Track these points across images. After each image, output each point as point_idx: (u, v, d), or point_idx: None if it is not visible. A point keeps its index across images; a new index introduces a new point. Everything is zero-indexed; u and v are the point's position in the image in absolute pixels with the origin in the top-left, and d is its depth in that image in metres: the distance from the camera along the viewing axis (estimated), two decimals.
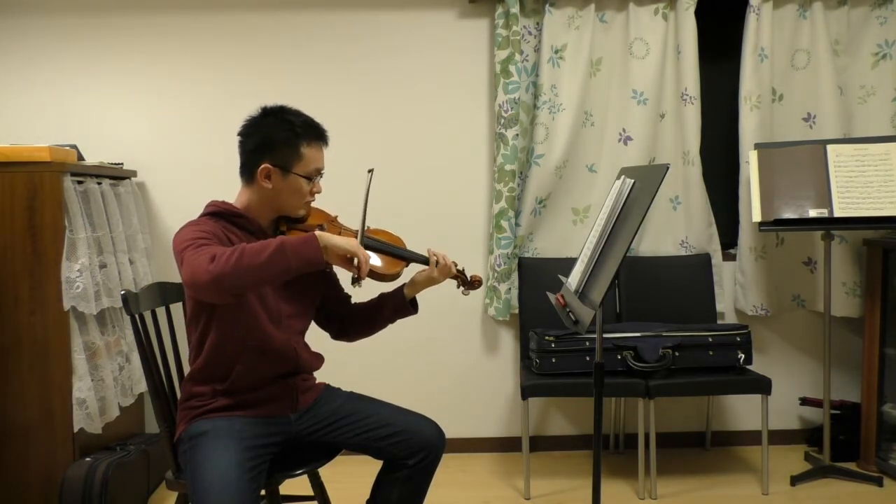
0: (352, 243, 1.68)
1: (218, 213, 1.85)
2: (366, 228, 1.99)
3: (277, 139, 1.82)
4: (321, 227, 1.92)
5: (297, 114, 1.87)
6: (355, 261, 1.68)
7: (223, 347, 1.83)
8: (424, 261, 2.00)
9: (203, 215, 1.86)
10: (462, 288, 2.09)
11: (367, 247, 1.92)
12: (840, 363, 3.37)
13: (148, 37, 3.22)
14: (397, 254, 1.98)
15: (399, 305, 2.03)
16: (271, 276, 1.62)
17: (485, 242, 3.32)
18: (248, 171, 1.86)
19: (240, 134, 1.88)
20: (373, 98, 3.27)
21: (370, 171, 1.91)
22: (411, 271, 2.02)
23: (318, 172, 1.89)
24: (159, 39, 3.23)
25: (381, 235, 2.03)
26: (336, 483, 2.63)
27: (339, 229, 1.97)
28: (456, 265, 2.04)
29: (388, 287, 2.01)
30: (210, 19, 3.23)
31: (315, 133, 1.87)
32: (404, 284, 2.03)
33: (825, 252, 2.94)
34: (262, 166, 1.82)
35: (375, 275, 1.91)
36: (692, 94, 3.17)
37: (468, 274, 2.09)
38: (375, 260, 1.93)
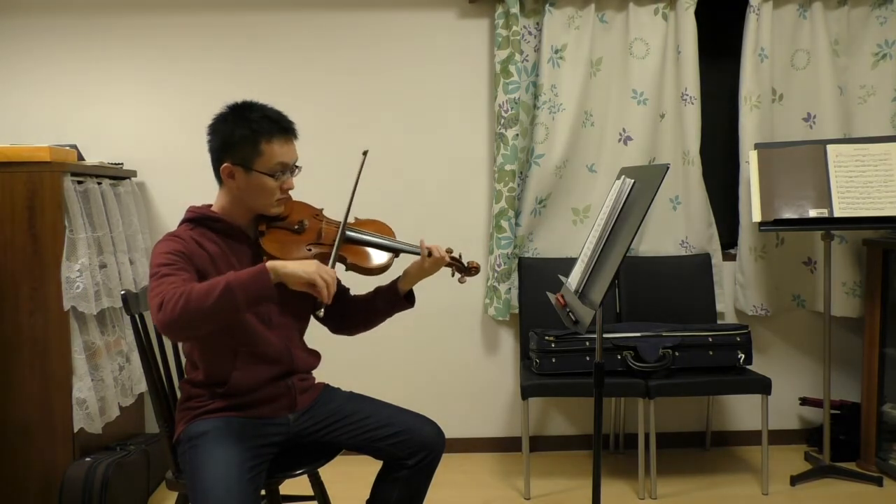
0: (310, 269, 1.59)
1: (195, 218, 1.85)
2: (354, 220, 1.96)
3: (236, 137, 1.79)
4: (302, 223, 1.87)
5: (259, 109, 1.82)
6: (317, 286, 1.60)
7: (218, 357, 1.83)
8: (416, 251, 1.94)
9: (182, 223, 1.86)
10: (458, 275, 1.99)
11: (350, 240, 1.88)
12: (840, 363, 3.37)
13: (148, 37, 3.22)
14: (385, 245, 1.91)
15: (393, 299, 1.98)
16: (220, 319, 1.58)
17: (485, 242, 3.32)
18: (215, 171, 1.86)
19: (207, 134, 1.87)
20: (373, 98, 3.27)
21: (365, 153, 1.89)
22: (405, 262, 1.97)
23: (285, 167, 1.83)
24: (160, 39, 3.22)
25: (371, 226, 1.96)
26: (336, 483, 2.63)
27: (322, 222, 1.91)
28: (451, 253, 1.97)
29: (384, 279, 1.98)
30: (210, 19, 3.23)
31: (276, 128, 1.80)
32: (398, 278, 1.98)
33: (825, 252, 2.94)
34: (224, 165, 1.81)
35: (361, 269, 1.86)
36: (692, 94, 3.17)
37: (465, 260, 1.99)
38: (360, 253, 1.87)
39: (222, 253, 1.81)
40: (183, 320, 1.55)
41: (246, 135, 1.79)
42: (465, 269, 1.99)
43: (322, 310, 1.68)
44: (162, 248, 1.73)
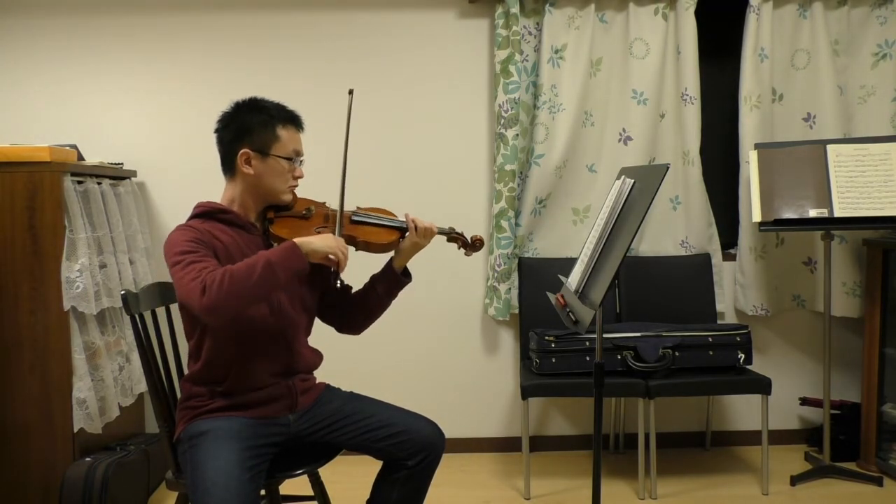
0: (330, 244, 1.74)
1: (205, 213, 1.87)
2: (357, 208, 2.02)
3: (253, 124, 1.86)
4: (309, 209, 1.95)
5: (268, 101, 1.92)
6: (337, 257, 1.74)
7: (221, 351, 1.83)
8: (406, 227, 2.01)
9: (191, 217, 1.88)
10: (463, 250, 2.09)
11: (356, 222, 1.97)
12: (840, 363, 3.37)
13: (148, 37, 3.22)
14: (389, 225, 2.00)
15: (390, 279, 2.02)
16: (263, 294, 1.69)
17: (485, 242, 3.32)
18: (228, 161, 1.89)
19: (216, 130, 1.91)
20: (373, 98, 3.27)
21: (350, 91, 1.97)
22: None
23: (297, 154, 1.92)
24: (159, 39, 3.23)
25: (371, 211, 2.04)
26: (336, 483, 2.63)
27: (326, 212, 1.98)
28: (454, 229, 2.06)
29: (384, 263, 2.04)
30: (209, 19, 3.23)
31: (289, 116, 1.91)
32: (391, 258, 2.03)
33: (825, 252, 2.94)
34: (242, 152, 1.85)
35: (370, 246, 1.95)
36: (692, 94, 3.17)
37: (468, 235, 2.09)
38: (368, 233, 1.96)
39: (235, 244, 1.83)
40: (229, 301, 1.61)
41: (264, 120, 1.87)
42: (470, 245, 2.09)
43: (339, 281, 1.79)
44: (179, 237, 1.75)
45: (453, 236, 2.07)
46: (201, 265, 1.66)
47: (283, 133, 1.88)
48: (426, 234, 1.98)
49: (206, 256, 1.71)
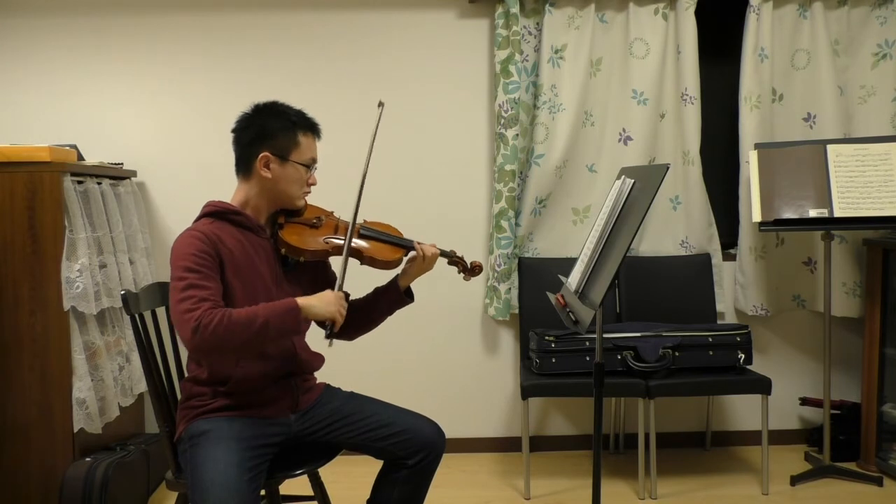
0: (331, 310, 1.77)
1: (216, 212, 1.86)
2: (364, 221, 2.04)
3: (275, 128, 1.87)
4: (318, 220, 1.97)
5: (290, 107, 1.93)
6: (335, 319, 1.78)
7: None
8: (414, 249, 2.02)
9: (201, 216, 1.87)
10: (463, 274, 2.11)
11: (364, 237, 1.99)
12: (840, 363, 3.37)
13: (148, 37, 3.22)
14: (396, 242, 2.01)
15: (394, 297, 2.03)
16: (251, 349, 1.75)
17: (485, 242, 3.32)
18: (245, 163, 1.89)
19: (234, 130, 1.91)
20: (372, 98, 3.24)
21: (380, 104, 2.01)
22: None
23: (314, 162, 1.94)
24: (159, 39, 3.23)
25: (381, 226, 2.06)
26: (336, 483, 2.64)
27: (336, 223, 2.00)
28: (455, 253, 2.08)
29: (387, 276, 2.03)
30: (210, 19, 3.23)
31: (308, 123, 1.93)
32: (397, 276, 2.04)
33: (825, 252, 2.94)
34: (262, 155, 1.86)
35: (377, 262, 1.96)
36: (692, 94, 3.18)
37: (468, 260, 2.11)
38: (375, 249, 1.97)
39: (242, 247, 1.83)
40: (217, 347, 1.65)
41: (286, 126, 1.88)
42: (470, 270, 2.11)
43: (332, 339, 1.82)
44: (186, 247, 1.75)
45: (454, 260, 2.09)
46: (201, 295, 1.67)
47: (304, 140, 1.90)
48: (431, 260, 2.00)
49: (208, 279, 1.71)
